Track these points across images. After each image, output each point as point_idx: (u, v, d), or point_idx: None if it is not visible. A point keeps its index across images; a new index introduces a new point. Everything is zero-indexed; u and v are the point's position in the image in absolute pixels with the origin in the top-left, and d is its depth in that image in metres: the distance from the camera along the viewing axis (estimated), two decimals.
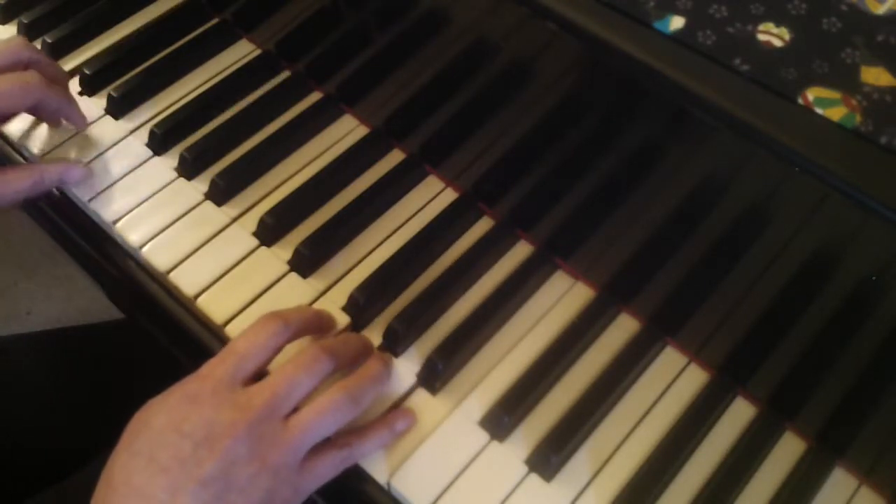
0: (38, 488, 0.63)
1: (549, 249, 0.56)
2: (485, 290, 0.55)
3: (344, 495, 0.48)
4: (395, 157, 0.62)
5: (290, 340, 0.47)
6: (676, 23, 0.43)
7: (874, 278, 0.41)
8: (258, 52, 0.68)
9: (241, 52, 0.68)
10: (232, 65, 0.67)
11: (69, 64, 0.67)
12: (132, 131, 0.63)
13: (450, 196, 0.60)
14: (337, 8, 0.60)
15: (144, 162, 0.61)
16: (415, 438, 0.49)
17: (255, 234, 0.57)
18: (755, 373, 0.50)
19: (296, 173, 0.61)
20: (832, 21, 0.43)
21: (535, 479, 0.48)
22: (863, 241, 0.40)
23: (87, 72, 0.65)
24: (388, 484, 0.48)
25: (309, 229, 0.57)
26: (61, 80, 0.62)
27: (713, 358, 0.52)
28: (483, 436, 0.49)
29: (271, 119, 0.64)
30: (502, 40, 0.50)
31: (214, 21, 0.69)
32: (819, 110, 0.40)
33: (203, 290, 0.54)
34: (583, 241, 0.55)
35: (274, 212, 0.57)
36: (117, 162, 0.61)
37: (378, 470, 0.48)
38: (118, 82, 0.65)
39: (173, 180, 0.60)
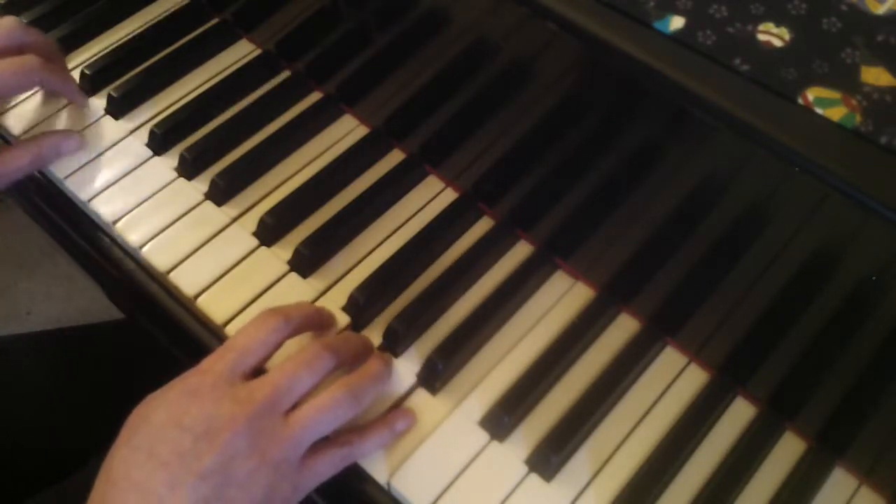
0: (38, 488, 0.63)
1: (549, 249, 0.56)
2: (485, 290, 0.55)
3: (344, 495, 0.48)
4: (395, 157, 0.62)
5: (290, 336, 0.47)
6: (676, 23, 0.43)
7: (874, 278, 0.41)
8: (258, 52, 0.68)
9: (241, 52, 0.68)
10: (232, 65, 0.67)
11: (69, 64, 0.67)
12: (132, 131, 0.63)
13: (450, 196, 0.60)
14: (337, 8, 0.60)
15: (144, 162, 0.61)
16: (415, 438, 0.49)
17: (255, 234, 0.57)
18: (755, 373, 0.50)
19: (296, 173, 0.61)
20: (832, 21, 0.43)
21: (535, 479, 0.48)
22: (863, 241, 0.40)
23: (87, 72, 0.65)
24: (388, 484, 0.48)
25: (309, 229, 0.57)
26: (58, 58, 0.63)
27: (713, 358, 0.52)
28: (483, 436, 0.49)
29: (271, 119, 0.64)
30: (502, 40, 0.50)
31: (214, 21, 0.69)
32: (819, 110, 0.40)
33: (203, 290, 0.54)
34: (583, 241, 0.55)
35: (274, 212, 0.57)
36: (117, 162, 0.61)
37: (378, 470, 0.48)
38: (118, 82, 0.65)
39: (173, 180, 0.60)
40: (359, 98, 0.63)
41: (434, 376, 0.51)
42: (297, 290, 0.55)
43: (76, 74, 0.66)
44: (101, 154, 0.61)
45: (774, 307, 0.47)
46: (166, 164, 0.61)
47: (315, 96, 0.65)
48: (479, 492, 0.47)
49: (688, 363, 0.53)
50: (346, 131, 0.63)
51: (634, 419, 0.51)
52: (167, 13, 0.70)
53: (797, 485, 0.48)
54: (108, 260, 0.58)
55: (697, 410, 0.51)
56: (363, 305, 0.53)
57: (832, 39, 0.42)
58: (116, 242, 0.58)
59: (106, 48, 0.67)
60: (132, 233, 0.57)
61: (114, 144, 0.62)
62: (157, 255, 0.56)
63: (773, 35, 0.42)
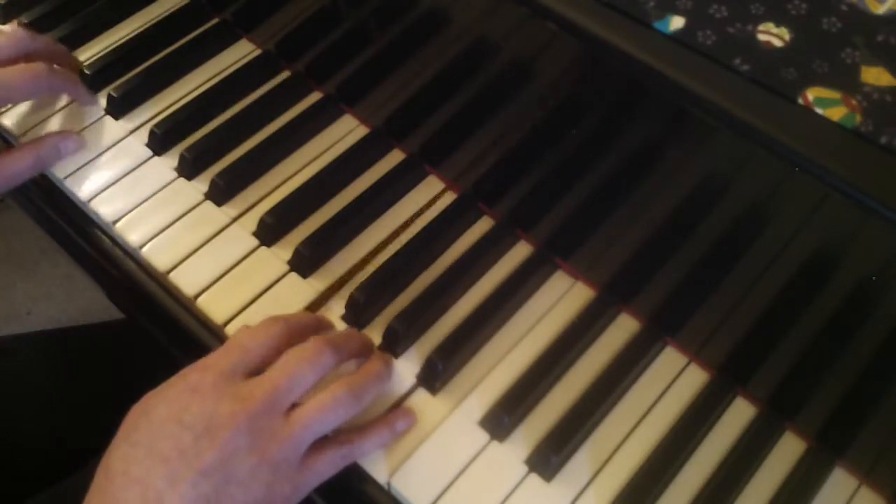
0: (38, 488, 0.63)
1: (549, 249, 0.56)
2: (485, 290, 0.55)
3: (344, 495, 0.48)
4: (395, 157, 0.62)
5: (291, 345, 0.47)
6: (676, 23, 0.43)
7: (874, 278, 0.41)
8: (258, 52, 0.68)
9: (240, 52, 0.68)
10: (232, 65, 0.67)
11: None
12: (132, 131, 0.63)
13: (450, 196, 0.60)
14: (337, 8, 0.60)
15: (144, 162, 0.61)
16: (415, 438, 0.49)
17: (255, 234, 0.57)
18: (755, 373, 0.50)
19: (296, 173, 0.61)
20: (832, 21, 0.43)
21: (535, 479, 0.48)
22: (863, 241, 0.40)
23: (86, 72, 0.65)
24: (388, 484, 0.48)
25: (309, 229, 0.57)
26: (67, 63, 0.64)
27: (713, 358, 0.52)
28: (483, 436, 0.49)
29: (271, 119, 0.64)
30: (502, 40, 0.50)
31: (214, 21, 0.69)
32: (819, 110, 0.40)
33: (203, 290, 0.54)
34: (583, 241, 0.55)
35: (274, 212, 0.57)
36: (117, 162, 0.61)
37: (378, 470, 0.48)
38: (118, 82, 0.65)
39: (173, 180, 0.60)
40: (359, 98, 0.63)
41: (434, 376, 0.51)
42: (297, 290, 0.55)
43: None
44: (101, 154, 0.61)
45: (774, 307, 0.47)
46: (166, 164, 0.61)
47: (315, 96, 0.65)
48: (479, 492, 0.47)
49: (688, 363, 0.53)
50: (346, 131, 0.63)
51: (634, 419, 0.50)
52: (167, 13, 0.70)
53: (797, 485, 0.48)
54: (108, 260, 0.58)
55: (697, 410, 0.51)
56: (363, 305, 0.53)
57: (832, 39, 0.42)
58: (116, 242, 0.58)
59: (106, 48, 0.67)
60: (132, 233, 0.57)
61: (114, 144, 0.62)
62: (157, 255, 0.56)
63: (773, 35, 0.42)
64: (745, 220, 0.44)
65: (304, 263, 0.56)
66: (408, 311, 0.53)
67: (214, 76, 0.66)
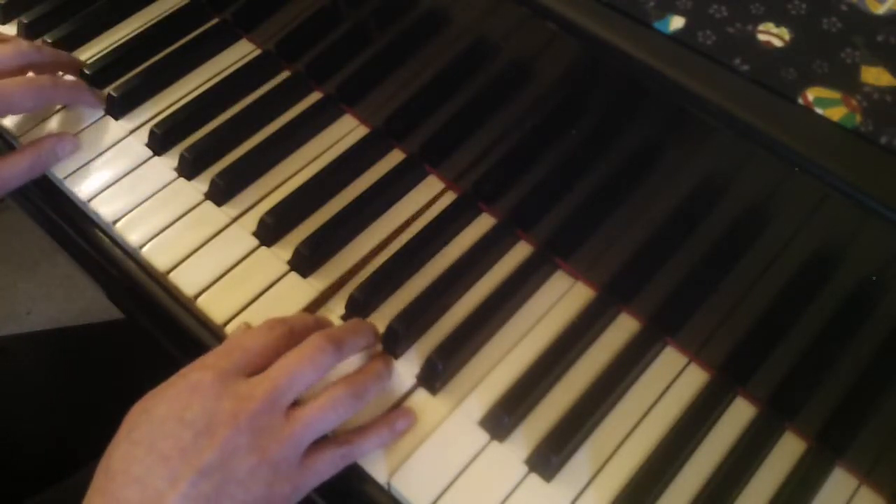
0: (38, 488, 0.63)
1: (549, 249, 0.56)
2: (485, 290, 0.55)
3: (344, 495, 0.48)
4: (395, 157, 0.62)
5: (292, 346, 0.47)
6: (676, 23, 0.43)
7: (874, 278, 0.41)
8: (258, 52, 0.68)
9: (240, 52, 0.68)
10: (232, 65, 0.67)
11: None
12: (132, 131, 0.63)
13: (450, 196, 0.60)
14: (337, 8, 0.60)
15: (144, 162, 0.61)
16: (415, 438, 0.49)
17: (255, 234, 0.57)
18: (755, 373, 0.50)
19: (296, 173, 0.61)
20: (832, 21, 0.43)
21: (535, 479, 0.48)
22: (863, 241, 0.40)
23: (86, 72, 0.65)
24: (388, 484, 0.48)
25: (309, 229, 0.57)
26: (74, 70, 0.64)
27: (713, 358, 0.52)
28: (483, 436, 0.49)
29: (271, 119, 0.64)
30: (502, 40, 0.50)
31: (214, 21, 0.69)
32: (819, 110, 0.40)
33: (203, 290, 0.54)
34: (583, 241, 0.54)
35: (274, 212, 0.57)
36: (117, 162, 0.61)
37: (378, 470, 0.48)
38: (118, 82, 0.65)
39: (173, 180, 0.60)
40: (359, 98, 0.63)
41: (434, 376, 0.51)
42: (297, 290, 0.55)
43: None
44: (101, 154, 0.61)
45: (774, 307, 0.47)
46: (166, 164, 0.61)
47: (315, 96, 0.65)
48: (479, 492, 0.47)
49: (688, 363, 0.53)
50: (346, 131, 0.63)
51: (634, 419, 0.50)
52: (167, 13, 0.70)
53: (797, 485, 0.48)
54: (108, 260, 0.58)
55: (697, 410, 0.51)
56: (363, 305, 0.53)
57: (832, 39, 0.42)
58: (116, 242, 0.58)
59: (106, 48, 0.67)
60: (132, 233, 0.57)
61: (114, 144, 0.62)
62: (157, 255, 0.56)
63: (773, 35, 0.42)
64: (745, 219, 0.44)
65: (304, 263, 0.56)
66: (408, 312, 0.53)
67: (214, 76, 0.66)
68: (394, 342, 0.52)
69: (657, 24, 0.43)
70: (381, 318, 0.54)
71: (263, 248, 0.57)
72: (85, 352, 0.76)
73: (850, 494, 0.48)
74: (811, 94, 0.40)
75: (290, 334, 0.47)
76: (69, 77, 0.65)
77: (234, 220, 0.58)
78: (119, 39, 0.68)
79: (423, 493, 0.47)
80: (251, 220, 0.58)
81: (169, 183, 0.60)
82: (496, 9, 0.48)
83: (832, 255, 0.42)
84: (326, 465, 0.45)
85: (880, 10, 0.43)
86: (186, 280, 0.55)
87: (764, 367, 0.50)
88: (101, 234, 0.59)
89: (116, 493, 0.41)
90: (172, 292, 0.56)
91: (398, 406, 0.50)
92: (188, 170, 0.60)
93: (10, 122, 0.63)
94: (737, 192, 0.44)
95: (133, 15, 0.70)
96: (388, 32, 0.57)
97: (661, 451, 0.49)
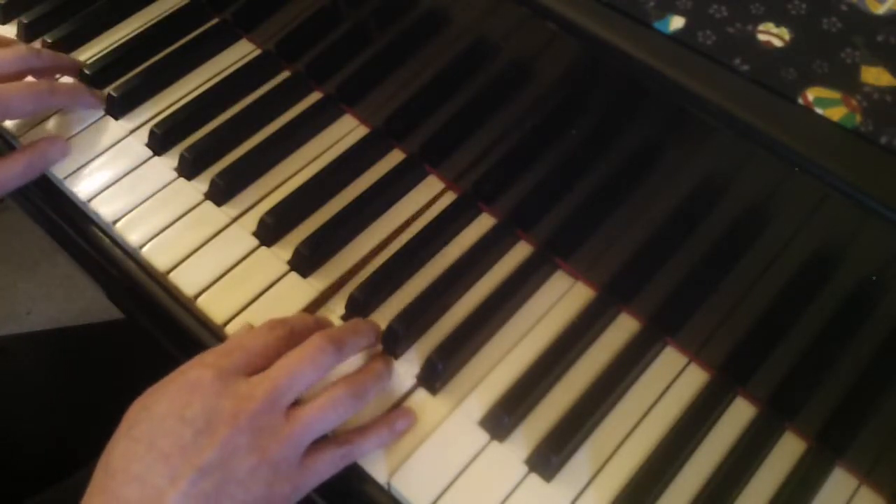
0: (38, 488, 0.63)
1: (549, 249, 0.56)
2: (485, 290, 0.55)
3: (344, 495, 0.48)
4: (395, 157, 0.62)
5: (292, 346, 0.47)
6: (676, 23, 0.43)
7: (874, 278, 0.41)
8: (258, 52, 0.68)
9: (241, 52, 0.68)
10: (232, 65, 0.67)
11: None
12: (132, 131, 0.63)
13: (450, 196, 0.60)
14: (337, 8, 0.60)
15: (144, 162, 0.61)
16: (415, 438, 0.49)
17: (255, 234, 0.57)
18: (755, 373, 0.50)
19: (296, 173, 0.61)
20: (832, 21, 0.43)
21: (535, 479, 0.48)
22: (863, 241, 0.40)
23: (86, 72, 0.65)
24: (388, 484, 0.48)
25: (309, 229, 0.57)
26: (75, 73, 0.65)
27: (713, 358, 0.52)
28: (483, 436, 0.49)
29: (271, 119, 0.63)
30: (502, 40, 0.50)
31: (214, 21, 0.69)
32: (819, 110, 0.40)
33: (203, 290, 0.54)
34: (583, 241, 0.55)
35: (274, 212, 0.57)
36: (117, 162, 0.61)
37: (378, 470, 0.48)
38: (118, 82, 0.65)
39: (173, 180, 0.60)
40: (359, 98, 0.63)
41: (434, 376, 0.51)
42: (297, 290, 0.55)
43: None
44: (101, 154, 0.61)
45: (774, 307, 0.47)
46: (166, 164, 0.61)
47: (315, 96, 0.65)
48: (479, 492, 0.47)
49: (688, 363, 0.53)
50: (346, 131, 0.63)
51: (634, 419, 0.50)
52: (167, 13, 0.70)
53: (797, 485, 0.48)
54: (108, 260, 0.58)
55: (697, 410, 0.51)
56: (363, 305, 0.53)
57: (832, 39, 0.42)
58: (116, 242, 0.58)
59: (106, 48, 0.67)
60: (132, 233, 0.57)
61: (114, 144, 0.62)
62: (157, 255, 0.56)
63: (773, 35, 0.42)
64: (745, 219, 0.44)
65: (304, 263, 0.56)
66: (407, 312, 0.53)
67: (214, 76, 0.66)
68: (394, 342, 0.52)
69: (657, 24, 0.43)
70: (381, 318, 0.54)
71: (263, 248, 0.57)
72: (85, 352, 0.76)
73: (850, 494, 0.48)
74: (811, 94, 0.40)
75: (290, 335, 0.47)
76: (68, 80, 0.65)
77: (234, 220, 0.58)
78: (119, 39, 0.68)
79: (423, 493, 0.47)
80: (251, 220, 0.58)
81: (169, 183, 0.60)
82: (496, 9, 0.48)
83: (832, 255, 0.42)
84: (326, 465, 0.45)
85: (880, 10, 0.43)
86: (186, 280, 0.55)
87: (764, 367, 0.50)
88: (101, 234, 0.59)
89: (116, 490, 0.41)
90: (172, 292, 0.56)
91: (398, 406, 0.50)
92: (188, 170, 0.60)
93: (9, 122, 0.63)
94: (737, 192, 0.44)
95: (133, 15, 0.70)
96: (388, 32, 0.57)
97: (661, 451, 0.49)
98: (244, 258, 0.56)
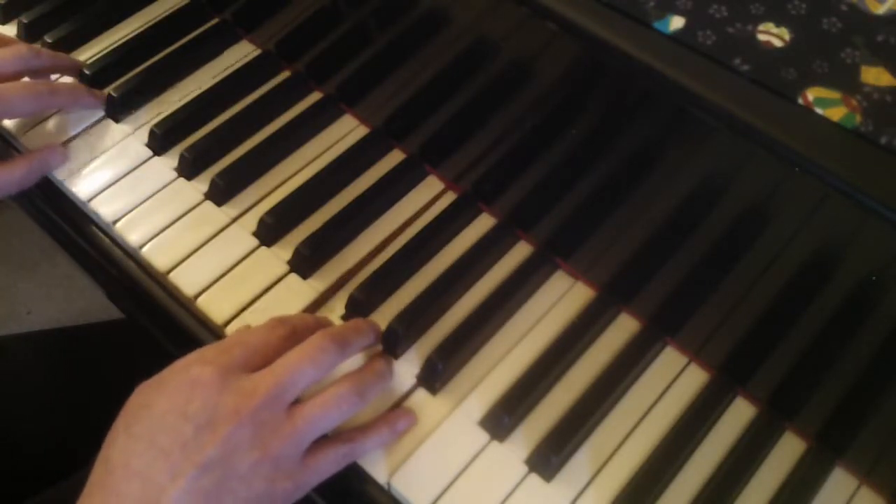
0: (38, 488, 0.63)
1: (549, 249, 0.56)
2: (485, 290, 0.55)
3: (344, 495, 0.48)
4: (395, 157, 0.62)
5: (292, 347, 0.47)
6: (676, 23, 0.43)
7: (874, 278, 0.41)
8: (258, 52, 0.68)
9: (241, 53, 0.68)
10: (232, 65, 0.67)
11: None
12: (132, 132, 0.63)
13: (450, 196, 0.60)
14: (337, 8, 0.60)
15: (144, 162, 0.61)
16: (415, 438, 0.49)
17: (255, 234, 0.57)
18: (755, 373, 0.50)
19: (296, 173, 0.61)
20: (832, 21, 0.43)
21: (535, 479, 0.48)
22: (863, 241, 0.40)
23: (86, 72, 0.65)
24: (388, 484, 0.48)
25: (309, 229, 0.57)
26: (75, 73, 0.64)
27: (713, 358, 0.52)
28: (483, 436, 0.49)
29: (271, 119, 0.63)
30: (502, 40, 0.50)
31: (214, 21, 0.69)
32: (819, 110, 0.40)
33: (203, 290, 0.54)
34: (583, 241, 0.55)
35: (274, 212, 0.57)
36: (117, 162, 0.61)
37: (378, 470, 0.48)
38: (118, 82, 0.65)
39: (173, 180, 0.60)
40: (359, 98, 0.63)
41: (434, 376, 0.51)
42: (297, 291, 0.55)
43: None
44: (100, 154, 0.61)
45: (774, 307, 0.47)
46: (166, 164, 0.61)
47: (315, 96, 0.65)
48: (479, 492, 0.47)
49: (688, 363, 0.53)
50: (346, 131, 0.63)
51: (634, 419, 0.50)
52: (167, 13, 0.70)
53: (797, 485, 0.48)
54: (108, 260, 0.58)
55: (697, 410, 0.51)
56: (363, 305, 0.53)
57: (832, 39, 0.42)
58: (116, 242, 0.58)
59: (106, 48, 0.67)
60: (132, 233, 0.57)
61: (114, 145, 0.62)
62: (157, 255, 0.56)
63: (773, 35, 0.42)
64: (745, 219, 0.44)
65: (304, 263, 0.56)
66: (408, 312, 0.53)
67: (214, 76, 0.66)
68: (394, 342, 0.52)
69: (657, 24, 0.43)
70: (381, 318, 0.54)
71: (263, 248, 0.57)
72: (85, 352, 0.76)
73: (850, 494, 0.48)
74: (811, 94, 0.40)
75: (292, 334, 0.47)
76: (67, 80, 0.65)
77: (234, 220, 0.58)
78: (119, 39, 0.68)
79: (423, 493, 0.47)
80: (251, 220, 0.58)
81: (169, 183, 0.60)
82: (496, 9, 0.48)
83: (832, 255, 0.42)
84: (328, 464, 0.45)
85: (880, 10, 0.43)
86: (186, 280, 0.55)
87: (764, 367, 0.50)
88: (101, 234, 0.59)
89: (116, 487, 0.40)
90: (172, 292, 0.56)
91: (398, 406, 0.50)
92: (188, 170, 0.60)
93: (10, 122, 0.63)
94: (737, 193, 0.44)
95: (133, 15, 0.70)
96: (388, 32, 0.57)
97: (661, 451, 0.49)
98: (244, 258, 0.56)
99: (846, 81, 0.40)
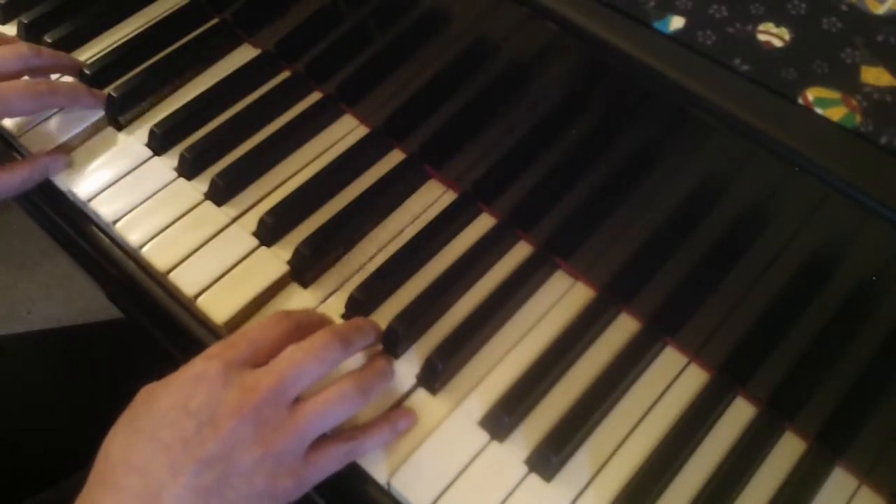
0: (37, 488, 0.63)
1: (549, 249, 0.56)
2: (485, 290, 0.55)
3: (344, 495, 0.48)
4: (395, 157, 0.62)
5: (298, 340, 0.47)
6: (676, 23, 0.43)
7: (874, 278, 0.41)
8: (258, 52, 0.68)
9: (241, 53, 0.68)
10: (232, 65, 0.67)
11: None
12: (132, 131, 0.63)
13: (450, 196, 0.60)
14: (337, 8, 0.60)
15: (144, 162, 0.61)
16: (415, 438, 0.49)
17: (255, 234, 0.57)
18: (755, 373, 0.50)
19: (296, 173, 0.61)
20: (832, 21, 0.43)
21: (535, 479, 0.48)
22: (863, 241, 0.40)
23: (86, 72, 0.65)
24: (388, 484, 0.48)
25: (309, 229, 0.57)
26: (76, 73, 0.64)
27: (713, 358, 0.52)
28: (483, 436, 0.49)
29: (271, 119, 0.63)
30: (502, 40, 0.50)
31: (214, 21, 0.69)
32: (819, 110, 0.40)
33: (203, 290, 0.54)
34: (583, 241, 0.55)
35: (274, 212, 0.57)
36: (117, 162, 0.61)
37: (378, 470, 0.48)
38: (118, 82, 0.65)
39: (173, 180, 0.60)
40: (359, 98, 0.63)
41: (434, 376, 0.51)
42: (297, 291, 0.55)
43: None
44: (100, 154, 0.61)
45: (774, 307, 0.47)
46: (166, 164, 0.61)
47: (315, 96, 0.65)
48: (479, 492, 0.47)
49: (688, 363, 0.53)
50: (346, 131, 0.63)
51: (634, 419, 0.50)
52: (167, 13, 0.70)
53: (797, 485, 0.48)
54: (108, 260, 0.58)
55: (697, 410, 0.51)
56: (363, 305, 0.53)
57: (832, 39, 0.42)
58: (116, 242, 0.58)
59: (106, 48, 0.67)
60: (132, 233, 0.57)
61: (114, 145, 0.62)
62: (157, 255, 0.56)
63: (773, 35, 0.42)
64: (745, 220, 0.44)
65: (303, 263, 0.55)
66: (408, 312, 0.53)
67: (215, 76, 0.66)
68: (394, 342, 0.52)
69: (657, 25, 0.43)
70: (381, 318, 0.53)
71: (263, 248, 0.57)
72: (84, 351, 0.76)
73: (850, 494, 0.48)
74: (811, 94, 0.40)
75: (296, 329, 0.47)
76: (67, 80, 0.65)
77: (234, 220, 0.58)
78: (119, 39, 0.68)
79: (423, 493, 0.47)
80: (251, 220, 0.58)
81: (169, 183, 0.60)
82: (496, 9, 0.48)
83: (832, 255, 0.42)
84: (330, 461, 0.45)
85: (880, 10, 0.43)
86: (186, 280, 0.55)
87: (764, 368, 0.50)
88: (101, 234, 0.59)
89: (117, 481, 0.40)
90: (172, 292, 0.56)
91: (398, 406, 0.50)
92: (188, 170, 0.60)
93: (9, 122, 0.63)
94: (737, 193, 0.44)
95: (133, 15, 0.70)
96: (388, 32, 0.57)
97: (661, 451, 0.49)
98: (244, 258, 0.56)
99: (846, 81, 0.40)
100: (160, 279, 0.56)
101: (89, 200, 0.59)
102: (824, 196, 0.39)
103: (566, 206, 0.54)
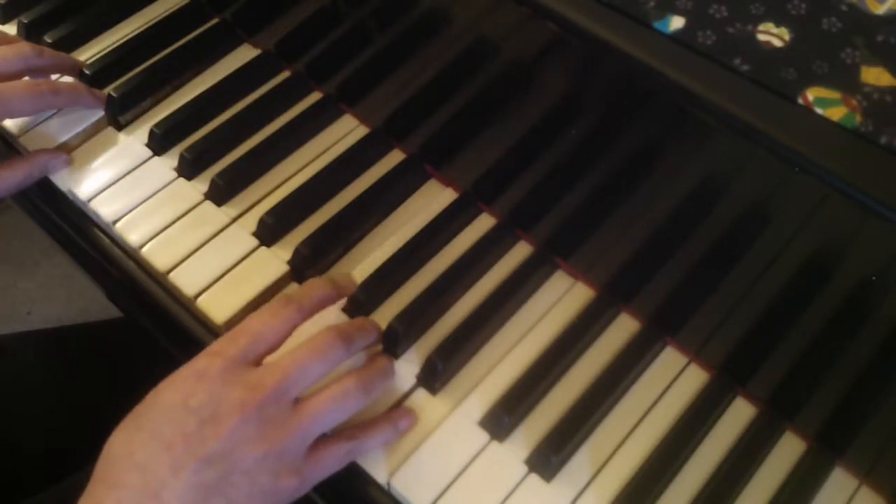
0: (37, 488, 0.63)
1: (549, 249, 0.56)
2: (485, 290, 0.55)
3: (344, 495, 0.48)
4: (395, 157, 0.62)
5: (303, 321, 0.47)
6: (676, 23, 0.43)
7: (874, 278, 0.41)
8: (258, 52, 0.68)
9: (241, 53, 0.68)
10: (232, 65, 0.67)
11: None
12: (132, 132, 0.63)
13: (450, 196, 0.60)
14: (337, 8, 0.60)
15: (144, 162, 0.61)
16: (415, 438, 0.49)
17: (255, 234, 0.57)
18: (755, 373, 0.50)
19: (296, 173, 0.61)
20: (832, 21, 0.43)
21: (535, 479, 0.48)
22: (863, 241, 0.40)
23: (86, 72, 0.65)
24: (388, 484, 0.48)
25: (309, 229, 0.57)
26: (71, 69, 0.65)
27: (713, 358, 0.52)
28: (483, 436, 0.49)
29: (271, 119, 0.63)
30: (502, 40, 0.50)
31: (214, 21, 0.69)
32: (819, 110, 0.40)
33: (203, 290, 0.54)
34: (583, 241, 0.55)
35: (274, 212, 0.57)
36: (117, 162, 0.61)
37: (378, 470, 0.48)
38: (118, 82, 0.65)
39: (173, 180, 0.60)
40: (359, 98, 0.63)
41: (434, 376, 0.51)
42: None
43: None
44: (100, 154, 0.61)
45: (774, 307, 0.47)
46: (166, 164, 0.61)
47: (315, 96, 0.65)
48: (479, 492, 0.47)
49: (688, 363, 0.53)
50: (346, 131, 0.63)
51: (634, 419, 0.50)
52: (167, 13, 0.70)
53: (797, 485, 0.48)
54: (108, 260, 0.58)
55: (697, 410, 0.51)
56: (363, 305, 0.53)
57: (832, 39, 0.42)
58: (116, 242, 0.58)
59: (106, 48, 0.67)
60: (132, 233, 0.57)
61: (114, 145, 0.62)
62: (157, 255, 0.56)
63: (773, 35, 0.42)
64: (745, 220, 0.44)
65: (303, 263, 0.56)
66: (408, 312, 0.53)
67: (215, 76, 0.66)
68: (394, 342, 0.52)
69: (657, 25, 0.43)
70: (382, 318, 0.53)
71: (263, 248, 0.57)
72: (84, 351, 0.76)
73: (850, 494, 0.48)
74: (811, 94, 0.40)
75: (300, 313, 0.47)
76: (68, 80, 0.65)
77: (234, 220, 0.58)
78: (119, 39, 0.68)
79: (423, 493, 0.47)
80: (251, 220, 0.58)
81: (169, 183, 0.60)
82: (496, 9, 0.48)
83: (832, 255, 0.42)
84: (332, 460, 0.45)
85: (880, 10, 0.43)
86: (186, 280, 0.55)
87: (764, 367, 0.50)
88: (101, 234, 0.59)
89: (118, 478, 0.40)
90: (172, 292, 0.56)
91: (398, 406, 0.50)
92: (188, 170, 0.60)
93: (10, 122, 0.63)
94: (737, 193, 0.44)
95: (133, 15, 0.70)
96: (388, 32, 0.57)
97: (661, 451, 0.49)
98: (244, 258, 0.56)
99: (846, 81, 0.40)
100: (160, 279, 0.56)
101: (89, 200, 0.59)
102: (824, 196, 0.39)
103: (566, 206, 0.54)
